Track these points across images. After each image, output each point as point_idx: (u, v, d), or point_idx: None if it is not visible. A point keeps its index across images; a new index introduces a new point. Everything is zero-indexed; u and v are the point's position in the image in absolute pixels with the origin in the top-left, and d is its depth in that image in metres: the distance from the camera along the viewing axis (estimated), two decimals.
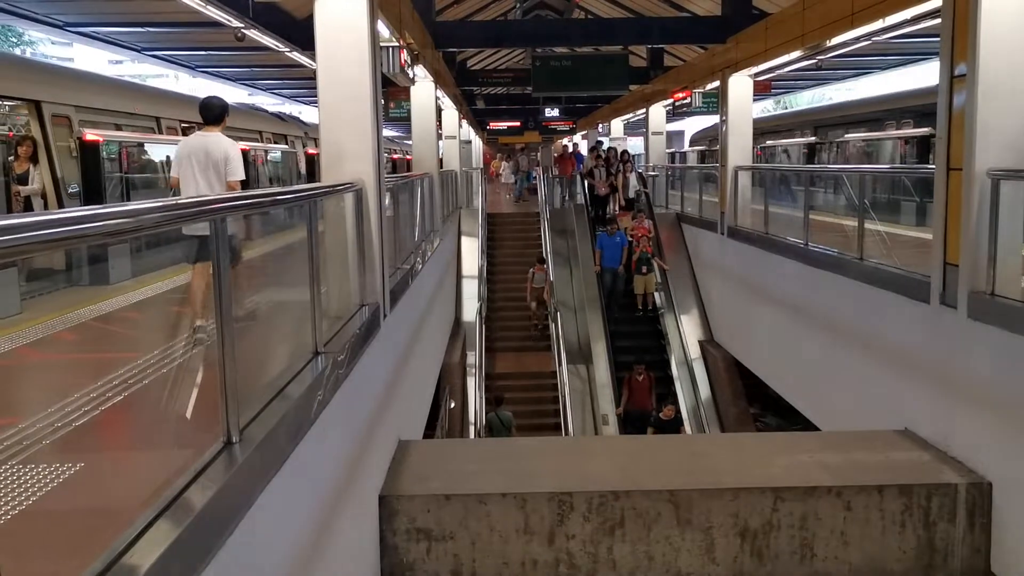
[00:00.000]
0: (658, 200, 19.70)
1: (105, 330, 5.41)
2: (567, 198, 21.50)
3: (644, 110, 22.49)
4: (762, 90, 17.28)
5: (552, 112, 28.95)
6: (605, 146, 22.92)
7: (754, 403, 14.04)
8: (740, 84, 13.68)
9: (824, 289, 8.91)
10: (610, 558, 5.28)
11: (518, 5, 20.68)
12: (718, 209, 14.16)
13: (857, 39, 10.72)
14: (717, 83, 14.89)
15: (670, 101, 19.19)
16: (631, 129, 31.82)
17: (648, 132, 22.19)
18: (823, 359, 9.06)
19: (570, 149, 26.52)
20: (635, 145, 33.64)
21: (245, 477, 2.73)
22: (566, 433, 12.85)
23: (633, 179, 19.15)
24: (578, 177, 21.90)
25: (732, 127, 13.67)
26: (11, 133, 7.27)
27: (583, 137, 38.19)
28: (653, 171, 20.92)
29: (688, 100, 17.81)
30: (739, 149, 13.66)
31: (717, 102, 15.28)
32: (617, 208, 18.78)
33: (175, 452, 3.02)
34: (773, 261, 10.91)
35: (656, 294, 16.16)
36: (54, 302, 5.84)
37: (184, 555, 2.20)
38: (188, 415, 3.38)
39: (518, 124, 32.51)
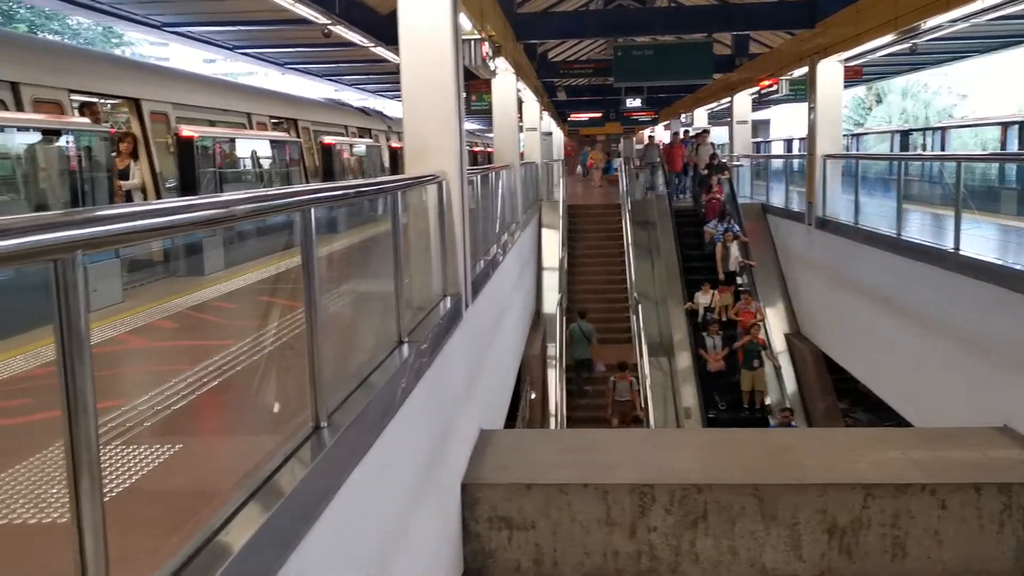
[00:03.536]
0: (742, 191, 19.33)
1: (200, 319, 5.61)
2: (649, 189, 21.27)
3: (728, 99, 22.07)
4: (853, 76, 16.76)
5: (634, 103, 28.65)
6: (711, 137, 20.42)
7: (843, 398, 13.70)
8: (830, 70, 13.32)
9: (918, 281, 8.62)
10: (692, 551, 5.23)
11: None
12: (804, 199, 13.85)
13: (954, 21, 10.30)
14: (805, 70, 14.52)
15: (756, 89, 18.80)
16: (714, 119, 31.31)
17: (733, 121, 21.78)
18: (917, 353, 8.77)
19: (680, 136, 23.97)
20: (718, 135, 33.08)
21: (333, 461, 2.80)
22: (647, 426, 12.76)
23: (735, 248, 15.39)
24: (661, 168, 21.44)
25: (821, 115, 13.32)
26: (113, 130, 7.60)
27: (665, 127, 37.75)
28: (737, 162, 20.53)
29: (775, 88, 17.42)
30: (828, 137, 13.31)
31: (805, 89, 14.91)
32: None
33: (266, 436, 3.12)
34: (864, 252, 10.61)
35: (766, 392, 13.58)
36: (153, 292, 6.08)
37: (275, 535, 2.26)
38: (278, 400, 3.48)
39: (599, 115, 32.32)
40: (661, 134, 36.93)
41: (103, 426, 2.88)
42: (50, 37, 30.88)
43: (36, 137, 5.77)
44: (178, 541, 2.02)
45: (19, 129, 5.73)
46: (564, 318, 15.98)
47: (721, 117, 30.20)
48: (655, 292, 16.64)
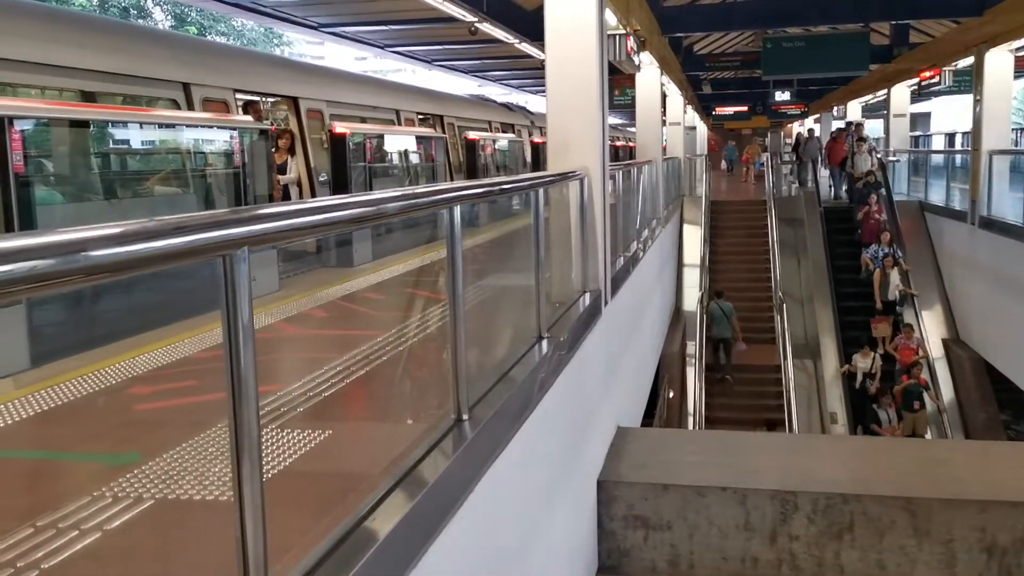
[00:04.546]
0: (899, 187, 18.37)
1: (349, 308, 5.84)
2: (797, 185, 20.54)
3: (885, 91, 20.99)
4: None
5: (783, 96, 27.63)
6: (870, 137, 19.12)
7: (1005, 409, 12.84)
8: (999, 60, 12.49)
9: None
10: (837, 563, 5.03)
11: None
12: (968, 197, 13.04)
13: None
14: (971, 60, 13.64)
15: (915, 81, 17.80)
16: (869, 111, 29.86)
17: (889, 114, 20.72)
18: None
19: (843, 131, 21.96)
20: (873, 128, 31.52)
21: (473, 454, 2.84)
22: (790, 431, 12.35)
23: (895, 275, 14.06)
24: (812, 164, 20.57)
25: (988, 108, 12.50)
26: (273, 127, 8.00)
27: (816, 121, 36.29)
28: (894, 157, 19.52)
29: (936, 79, 16.44)
30: (995, 132, 12.47)
31: (970, 81, 14.01)
32: None
33: (410, 426, 3.21)
34: None
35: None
36: (306, 281, 6.38)
37: (418, 524, 2.32)
38: (421, 392, 3.57)
39: (745, 109, 31.40)
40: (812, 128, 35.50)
41: (261, 409, 3.05)
42: (217, 39, 32.82)
43: (205, 134, 6.16)
44: (328, 524, 2.10)
45: (189, 127, 6.13)
46: (704, 317, 15.70)
47: (876, 110, 28.81)
48: (801, 292, 16.07)
